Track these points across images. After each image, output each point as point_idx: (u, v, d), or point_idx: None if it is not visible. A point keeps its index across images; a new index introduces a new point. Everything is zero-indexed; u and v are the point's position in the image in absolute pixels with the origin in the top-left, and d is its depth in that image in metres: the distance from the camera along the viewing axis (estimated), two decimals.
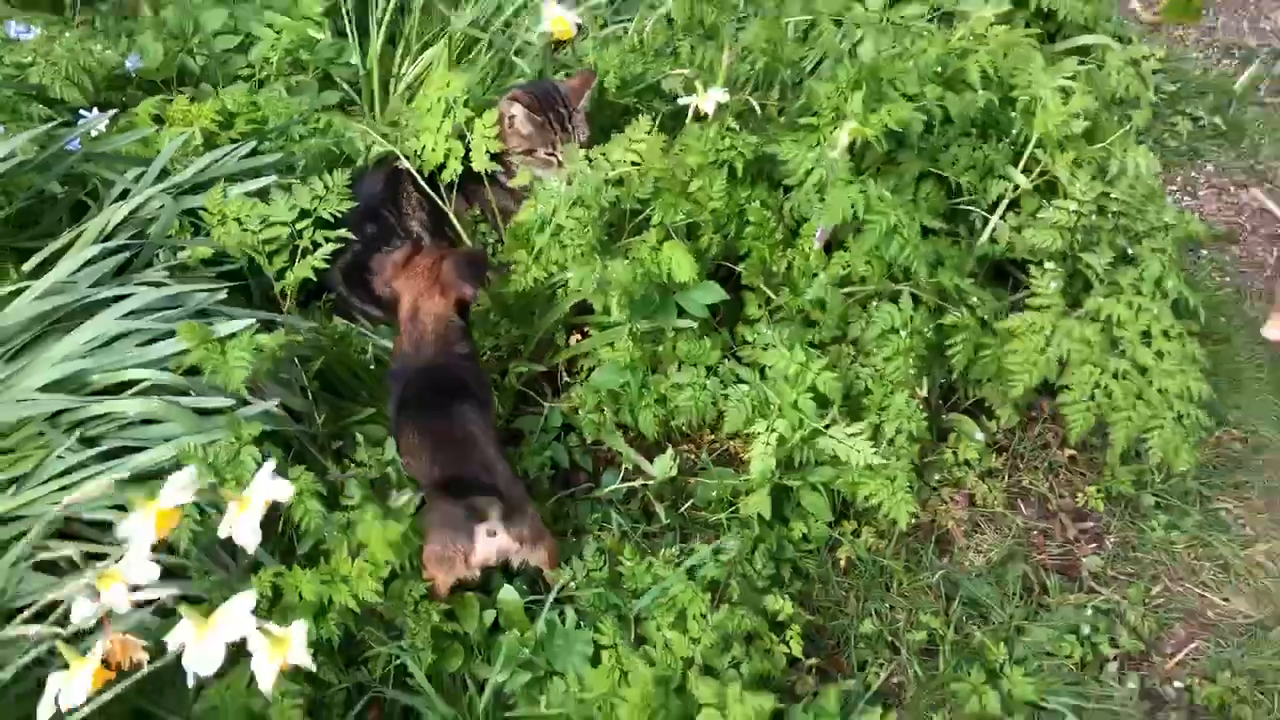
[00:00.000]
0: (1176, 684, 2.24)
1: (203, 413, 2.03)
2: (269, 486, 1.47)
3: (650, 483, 2.33)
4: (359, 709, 1.97)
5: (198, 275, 2.33)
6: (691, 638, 1.93)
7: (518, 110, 2.54)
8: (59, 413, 2.01)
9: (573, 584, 2.10)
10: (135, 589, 1.38)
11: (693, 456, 2.47)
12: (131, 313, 2.12)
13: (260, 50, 3.03)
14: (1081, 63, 2.76)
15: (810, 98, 2.38)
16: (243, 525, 1.46)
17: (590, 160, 2.39)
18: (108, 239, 2.30)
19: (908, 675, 2.17)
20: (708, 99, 2.35)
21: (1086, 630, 2.25)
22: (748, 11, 2.76)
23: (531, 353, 2.51)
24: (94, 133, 2.52)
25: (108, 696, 1.40)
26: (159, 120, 2.64)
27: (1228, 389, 2.80)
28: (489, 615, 2.07)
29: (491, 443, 2.06)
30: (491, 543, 2.01)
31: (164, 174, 2.44)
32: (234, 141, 2.58)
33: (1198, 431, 2.20)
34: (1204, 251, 3.26)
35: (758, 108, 2.50)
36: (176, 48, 3.05)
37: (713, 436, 2.50)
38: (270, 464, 1.50)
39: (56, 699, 1.31)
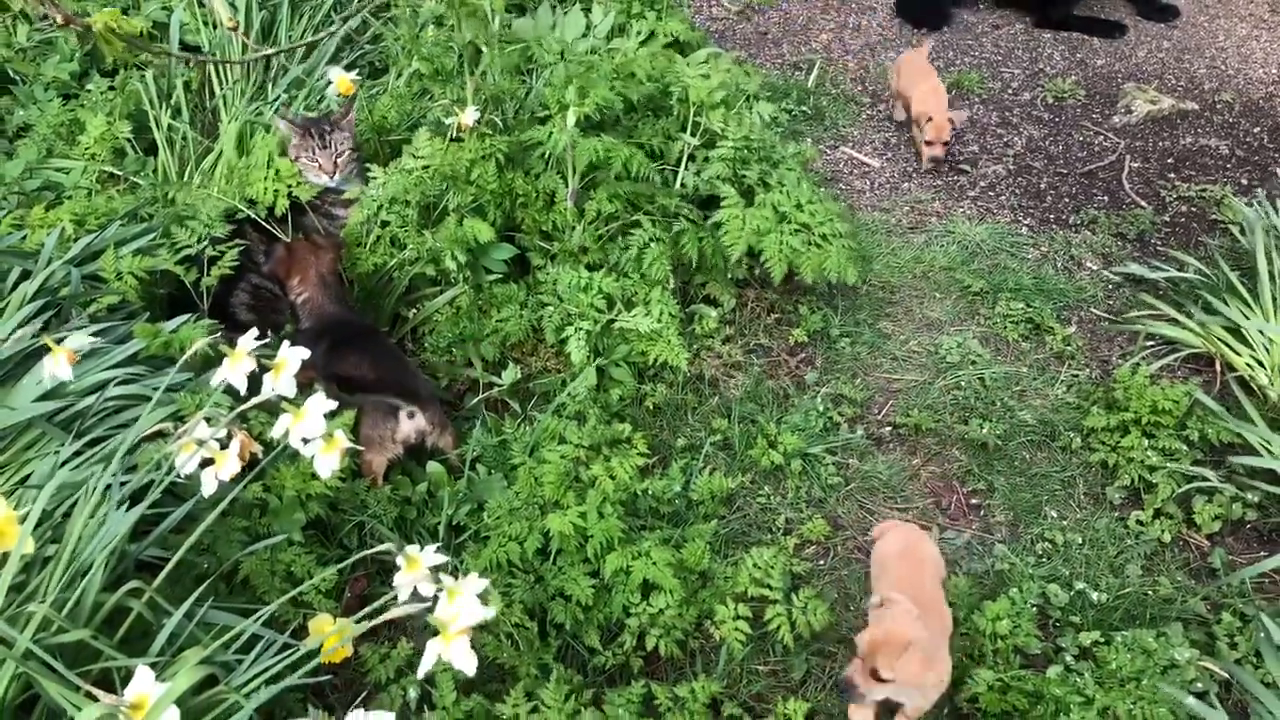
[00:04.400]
0: (887, 428, 3.29)
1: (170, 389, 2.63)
2: (294, 354, 2.17)
3: (501, 387, 3.12)
4: (347, 568, 2.60)
5: (109, 320, 2.91)
6: (574, 444, 2.74)
7: (282, 125, 3.33)
8: (53, 415, 2.55)
9: (477, 450, 2.86)
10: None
11: (528, 370, 3.28)
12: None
13: (73, 178, 3.61)
14: (703, 63, 3.92)
15: (541, 98, 3.34)
16: (283, 381, 2.15)
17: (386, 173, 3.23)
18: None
19: (716, 461, 3.08)
20: (466, 116, 3.25)
21: (822, 409, 3.26)
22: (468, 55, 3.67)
23: (383, 330, 3.26)
24: None
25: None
26: (19, 228, 3.18)
27: (865, 264, 3.97)
28: (422, 487, 2.79)
29: (405, 358, 2.85)
30: (410, 423, 2.75)
31: (50, 260, 3.01)
32: (91, 232, 3.17)
33: (853, 253, 3.30)
34: (822, 189, 4.48)
35: (499, 121, 3.42)
36: None
37: (534, 356, 3.32)
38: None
39: (216, 478, 1.95)
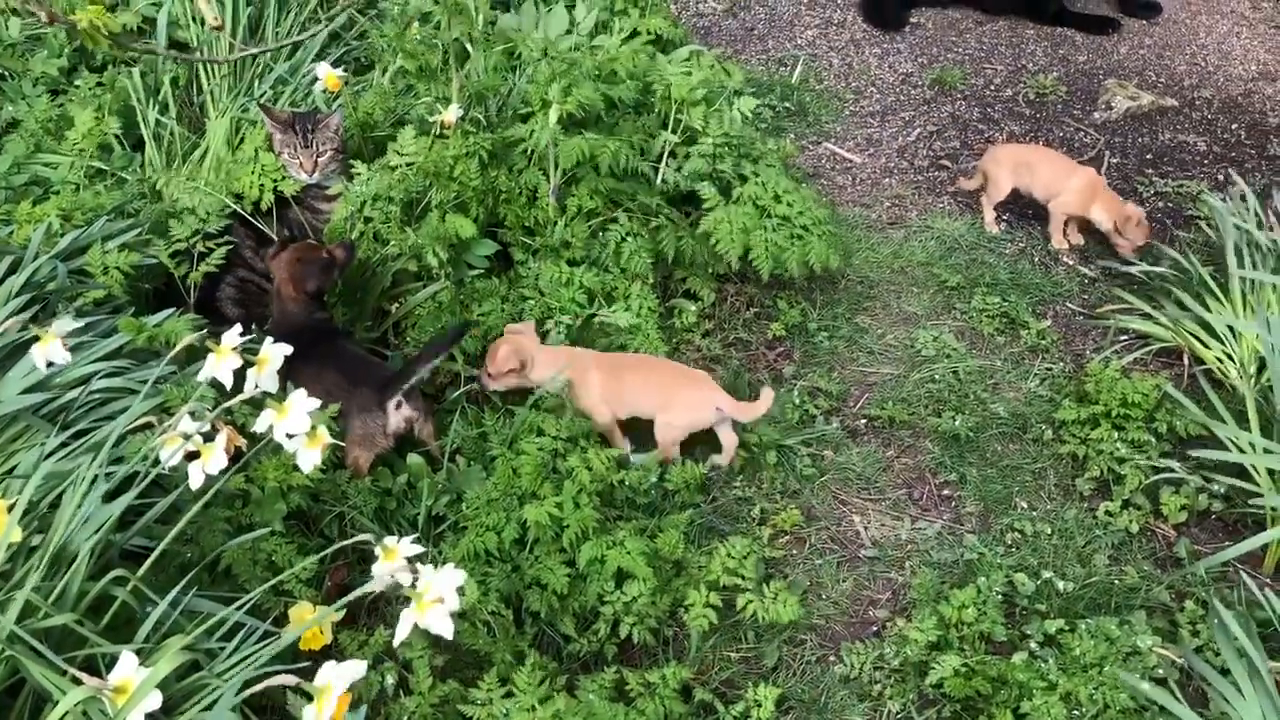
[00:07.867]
0: (862, 420, 3.35)
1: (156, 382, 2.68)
2: (277, 351, 2.22)
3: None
4: (327, 558, 2.65)
5: (95, 314, 2.96)
6: (552, 437, 2.79)
7: (267, 121, 3.38)
8: (39, 408, 2.60)
9: (457, 442, 2.92)
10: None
11: None
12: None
13: (60, 173, 3.65)
14: (685, 60, 3.98)
15: (524, 96, 3.39)
16: (265, 378, 2.20)
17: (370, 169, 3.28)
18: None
19: (698, 453, 3.14)
20: (449, 113, 3.31)
21: (798, 402, 3.31)
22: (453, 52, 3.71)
23: (365, 325, 3.31)
24: None
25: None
26: (7, 223, 3.23)
27: (844, 258, 4.03)
28: (402, 478, 2.84)
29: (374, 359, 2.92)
30: (399, 413, 2.81)
31: (36, 254, 3.05)
32: (78, 227, 3.22)
33: (835, 240, 3.36)
34: (803, 184, 4.53)
35: (482, 118, 3.48)
36: None
37: None
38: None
39: (203, 471, 2.01)
